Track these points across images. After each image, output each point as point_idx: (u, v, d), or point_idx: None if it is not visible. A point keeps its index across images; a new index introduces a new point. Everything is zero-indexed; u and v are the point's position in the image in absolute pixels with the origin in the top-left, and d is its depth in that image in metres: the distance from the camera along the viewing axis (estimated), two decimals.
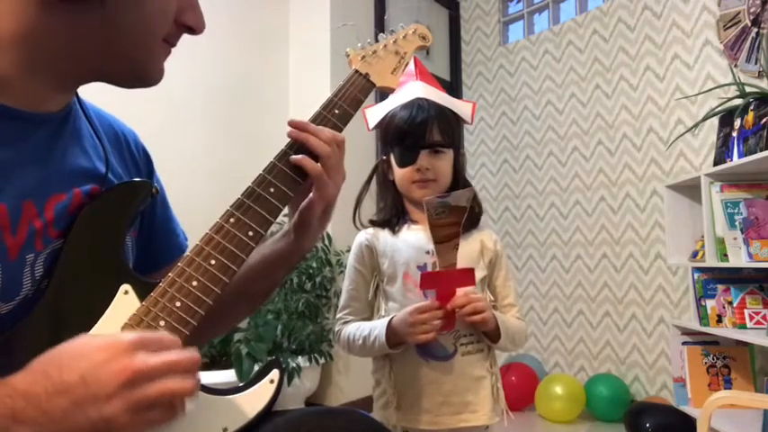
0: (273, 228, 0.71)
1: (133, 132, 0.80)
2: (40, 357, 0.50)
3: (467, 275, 1.02)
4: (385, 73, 0.84)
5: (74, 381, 0.47)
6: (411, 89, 1.17)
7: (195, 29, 0.64)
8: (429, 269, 1.09)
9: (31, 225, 0.58)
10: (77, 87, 0.66)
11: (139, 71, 0.63)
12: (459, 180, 1.18)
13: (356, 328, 1.11)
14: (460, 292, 1.03)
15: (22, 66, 0.57)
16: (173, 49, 0.65)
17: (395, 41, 0.88)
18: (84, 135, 0.68)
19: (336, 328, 1.17)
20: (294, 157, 0.70)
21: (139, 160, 0.78)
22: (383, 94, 1.09)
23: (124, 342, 0.50)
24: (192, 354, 0.53)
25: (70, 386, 0.47)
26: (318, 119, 0.75)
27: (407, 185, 1.14)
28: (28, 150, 0.59)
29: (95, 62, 0.60)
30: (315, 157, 0.71)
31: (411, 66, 1.22)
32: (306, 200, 0.73)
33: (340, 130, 0.75)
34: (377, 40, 0.90)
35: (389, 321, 1.05)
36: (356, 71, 0.82)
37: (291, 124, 0.72)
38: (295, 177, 0.70)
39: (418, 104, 1.13)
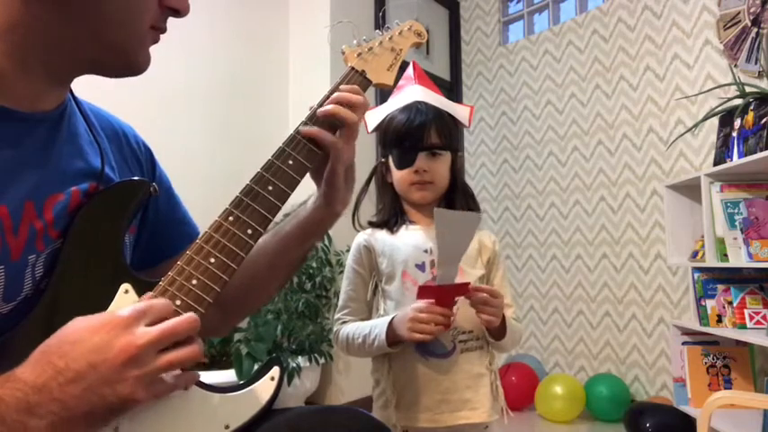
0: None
1: (131, 128, 0.80)
2: (40, 347, 0.50)
3: (463, 288, 1.03)
4: (381, 70, 0.84)
5: (81, 367, 0.48)
6: (410, 92, 1.18)
7: (180, 11, 0.63)
8: (427, 268, 1.10)
9: (31, 226, 0.58)
10: (70, 81, 0.66)
11: (127, 59, 0.62)
12: (457, 182, 1.19)
13: (356, 328, 1.11)
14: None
15: (13, 59, 0.57)
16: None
17: (390, 38, 0.87)
18: (80, 133, 0.68)
19: (335, 329, 1.17)
20: (307, 129, 0.72)
21: (140, 154, 0.78)
22: (383, 93, 1.09)
23: (120, 318, 0.51)
24: (189, 316, 0.54)
25: (79, 373, 0.48)
26: (315, 117, 0.75)
27: (406, 187, 1.15)
28: (26, 151, 0.59)
29: (83, 52, 0.60)
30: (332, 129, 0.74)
31: (410, 70, 1.23)
32: (327, 169, 0.75)
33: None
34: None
35: (391, 320, 1.05)
36: (352, 68, 0.81)
37: (334, 101, 0.75)
38: (293, 175, 0.70)
39: (416, 107, 1.14)
